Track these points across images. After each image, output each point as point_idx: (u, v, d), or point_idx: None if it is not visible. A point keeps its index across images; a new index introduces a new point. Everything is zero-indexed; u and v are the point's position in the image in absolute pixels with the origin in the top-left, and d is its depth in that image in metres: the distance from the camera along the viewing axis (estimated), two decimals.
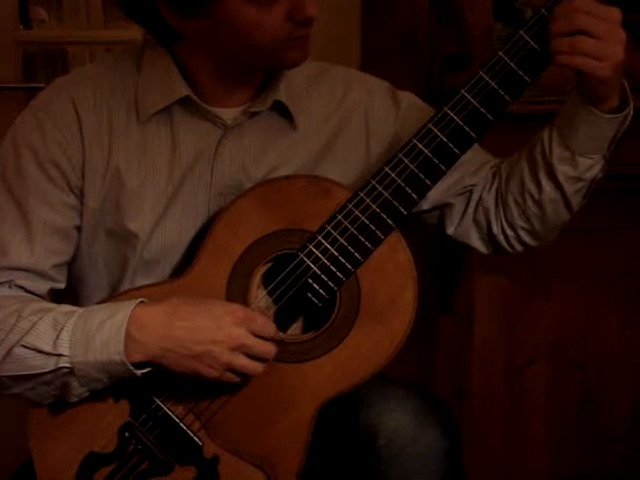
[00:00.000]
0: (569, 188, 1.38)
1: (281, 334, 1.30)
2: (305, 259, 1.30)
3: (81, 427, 1.30)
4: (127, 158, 1.34)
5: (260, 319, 1.27)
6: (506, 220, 1.45)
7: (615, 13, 1.23)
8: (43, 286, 1.34)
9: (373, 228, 1.30)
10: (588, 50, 1.22)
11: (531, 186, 1.40)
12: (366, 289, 1.31)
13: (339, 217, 1.30)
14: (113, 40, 2.39)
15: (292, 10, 1.24)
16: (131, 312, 1.24)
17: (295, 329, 1.35)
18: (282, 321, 1.32)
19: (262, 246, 1.31)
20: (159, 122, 1.34)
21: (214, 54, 1.31)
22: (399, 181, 1.29)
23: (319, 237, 1.30)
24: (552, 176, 1.37)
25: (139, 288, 1.33)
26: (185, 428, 1.31)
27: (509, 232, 1.46)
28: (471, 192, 1.47)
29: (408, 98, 1.49)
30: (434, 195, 1.43)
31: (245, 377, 1.27)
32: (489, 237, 1.48)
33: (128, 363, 1.23)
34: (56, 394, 1.28)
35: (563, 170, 1.36)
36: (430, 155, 1.29)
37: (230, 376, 1.26)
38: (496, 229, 1.46)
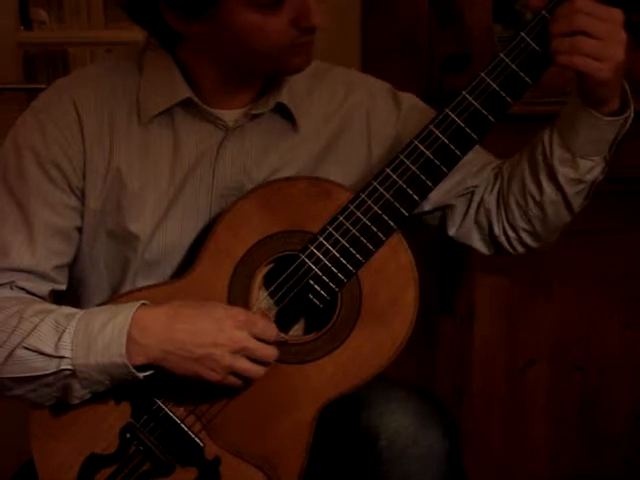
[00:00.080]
0: (570, 190, 1.37)
1: (283, 336, 1.30)
2: (306, 260, 1.30)
3: (82, 428, 1.30)
4: (128, 159, 1.34)
5: (261, 322, 1.27)
6: (507, 221, 1.45)
7: (616, 14, 1.22)
8: (44, 287, 1.34)
9: (374, 229, 1.30)
10: (588, 50, 1.21)
11: (532, 187, 1.40)
12: (367, 290, 1.31)
13: (340, 218, 1.30)
14: (114, 41, 2.39)
15: (297, 17, 1.23)
16: (133, 314, 1.24)
17: (297, 330, 1.35)
18: (284, 322, 1.32)
19: (263, 247, 1.31)
20: (160, 124, 1.34)
21: (217, 58, 1.31)
22: (400, 182, 1.29)
23: (320, 238, 1.30)
24: (553, 177, 1.37)
25: (140, 289, 1.33)
26: (186, 429, 1.31)
27: (510, 233, 1.45)
28: (473, 193, 1.47)
29: (409, 99, 1.49)
30: (435, 196, 1.43)
31: (247, 380, 1.27)
32: (490, 238, 1.48)
33: (130, 365, 1.23)
34: (57, 396, 1.28)
35: (564, 172, 1.36)
36: (431, 156, 1.29)
37: (232, 379, 1.26)
38: (498, 230, 1.46)
